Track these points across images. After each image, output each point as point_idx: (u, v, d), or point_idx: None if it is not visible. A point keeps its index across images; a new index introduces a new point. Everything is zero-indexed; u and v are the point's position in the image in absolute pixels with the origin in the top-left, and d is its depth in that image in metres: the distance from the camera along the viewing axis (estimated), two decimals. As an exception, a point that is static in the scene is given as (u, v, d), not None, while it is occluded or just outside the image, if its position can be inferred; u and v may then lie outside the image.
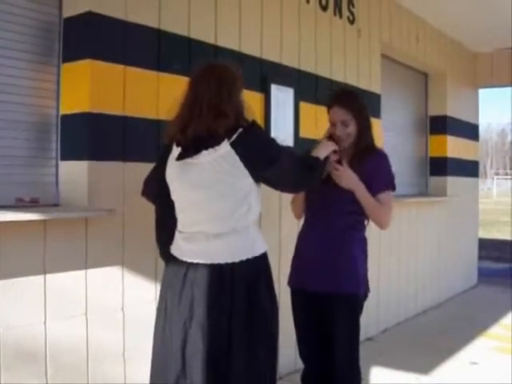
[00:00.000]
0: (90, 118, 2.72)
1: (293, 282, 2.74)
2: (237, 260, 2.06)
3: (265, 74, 3.79)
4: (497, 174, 63.45)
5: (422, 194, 6.63)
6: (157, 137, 2.89)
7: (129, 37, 2.88)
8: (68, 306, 2.64)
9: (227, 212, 2.07)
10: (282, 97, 3.94)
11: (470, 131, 7.51)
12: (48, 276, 2.56)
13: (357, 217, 2.63)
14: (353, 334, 2.61)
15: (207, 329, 2.00)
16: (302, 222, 2.83)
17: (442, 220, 6.59)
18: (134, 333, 2.86)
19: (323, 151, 2.43)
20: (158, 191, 2.25)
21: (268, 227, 3.53)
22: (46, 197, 2.78)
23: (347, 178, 2.55)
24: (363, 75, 4.93)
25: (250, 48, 3.68)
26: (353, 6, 4.80)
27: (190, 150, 2.08)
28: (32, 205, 2.70)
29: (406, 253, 5.74)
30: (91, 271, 2.73)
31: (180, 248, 2.17)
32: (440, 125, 6.72)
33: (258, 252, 2.11)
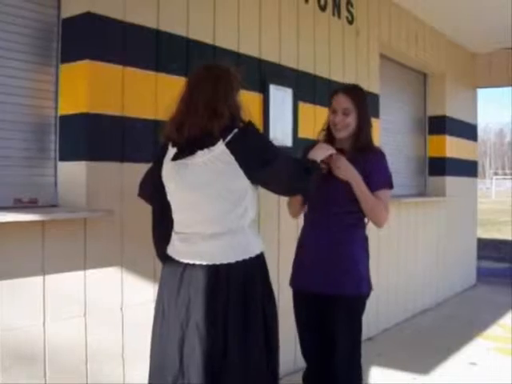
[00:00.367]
0: (88, 118, 2.72)
1: (294, 282, 2.74)
2: (233, 261, 2.06)
3: (263, 75, 3.79)
4: (495, 174, 63.54)
5: (420, 194, 6.64)
6: (155, 137, 2.87)
7: (127, 37, 2.88)
8: (67, 306, 2.64)
9: (222, 213, 2.07)
10: (281, 97, 3.94)
11: (468, 131, 7.52)
12: (47, 277, 2.56)
13: (357, 215, 2.63)
14: (355, 335, 2.62)
15: (204, 329, 2.00)
16: (301, 222, 2.83)
17: (441, 220, 6.59)
18: (133, 333, 2.86)
19: (320, 153, 2.42)
20: (153, 192, 2.25)
21: (267, 227, 3.53)
22: (44, 197, 2.78)
23: (344, 166, 2.54)
24: (362, 75, 4.93)
25: (249, 48, 3.68)
26: (351, 6, 4.80)
27: (185, 151, 2.08)
28: (30, 205, 2.69)
29: (405, 253, 5.74)
30: (90, 272, 2.72)
31: (176, 249, 2.17)
32: (439, 125, 6.73)
33: (253, 253, 2.11)
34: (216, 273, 2.05)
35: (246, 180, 2.06)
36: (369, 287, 2.66)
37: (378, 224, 2.65)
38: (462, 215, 7.21)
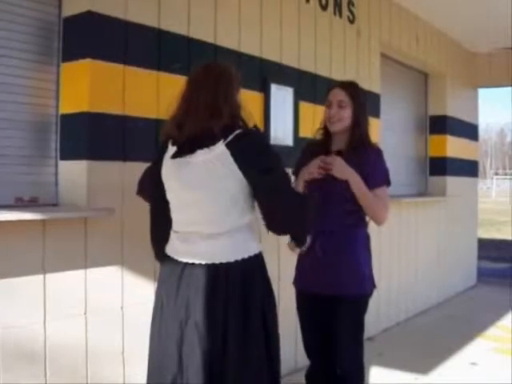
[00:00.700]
0: (89, 117, 2.71)
1: (297, 282, 2.74)
2: (232, 260, 2.05)
3: (264, 74, 3.79)
4: (496, 173, 63.51)
5: (421, 194, 6.63)
6: (156, 137, 2.88)
7: (128, 36, 2.87)
8: (67, 305, 2.64)
9: (221, 213, 2.07)
10: (282, 96, 3.93)
11: (469, 131, 7.52)
12: (47, 276, 2.56)
13: (358, 215, 2.63)
14: (357, 334, 2.62)
15: (203, 328, 2.00)
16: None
17: (442, 220, 6.59)
18: (133, 332, 2.85)
19: (311, 166, 2.50)
20: (153, 190, 2.25)
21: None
22: (45, 196, 2.77)
23: (340, 166, 2.54)
24: (363, 75, 4.92)
25: (250, 47, 3.68)
26: (353, 5, 4.80)
27: (184, 149, 2.08)
28: (31, 204, 2.69)
29: (406, 253, 5.74)
30: (90, 271, 2.72)
31: (175, 248, 2.16)
32: (440, 125, 6.73)
33: (252, 252, 2.10)
34: (215, 272, 2.04)
35: (244, 181, 2.05)
36: (372, 286, 2.66)
37: (378, 222, 2.65)
38: (462, 215, 7.20)
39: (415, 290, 5.87)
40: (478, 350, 4.68)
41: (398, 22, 5.55)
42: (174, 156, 2.11)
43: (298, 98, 4.06)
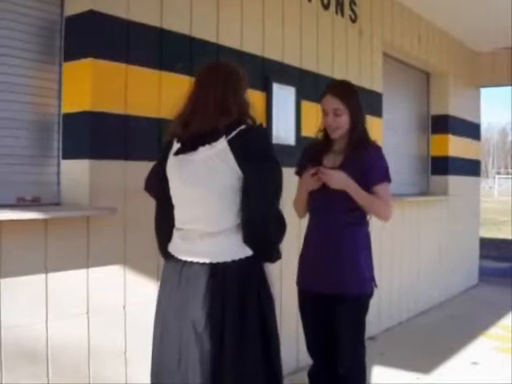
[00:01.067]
0: (91, 116, 2.71)
1: (299, 281, 2.75)
2: (229, 259, 2.06)
3: (266, 73, 3.78)
4: (498, 173, 63.45)
5: (423, 193, 6.62)
6: (159, 135, 2.88)
7: (130, 35, 2.87)
8: (69, 305, 2.64)
9: (220, 211, 2.07)
10: (284, 95, 3.93)
11: (471, 130, 7.51)
12: (49, 275, 2.56)
13: (359, 213, 2.64)
14: (358, 334, 2.62)
15: (200, 328, 2.00)
16: (303, 220, 2.83)
17: (444, 219, 6.58)
18: (136, 332, 2.85)
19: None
20: (157, 187, 2.25)
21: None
22: (47, 196, 2.78)
23: (336, 179, 2.54)
24: (365, 74, 4.92)
25: (252, 47, 3.68)
26: (355, 4, 4.79)
27: (187, 146, 2.08)
28: (33, 204, 2.69)
29: (408, 252, 5.74)
30: (93, 270, 2.72)
31: (176, 246, 2.17)
32: (442, 124, 6.72)
33: (249, 253, 2.10)
34: (213, 271, 2.04)
35: (243, 177, 2.04)
36: (372, 286, 2.66)
37: (384, 220, 2.68)
38: (464, 214, 7.20)
39: (417, 290, 5.87)
40: (480, 349, 4.68)
41: (400, 21, 5.54)
42: (177, 153, 2.11)
43: (299, 97, 4.06)
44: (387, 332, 5.18)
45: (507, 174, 61.41)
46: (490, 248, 10.27)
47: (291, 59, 4.04)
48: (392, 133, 5.70)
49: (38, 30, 2.74)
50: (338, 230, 2.61)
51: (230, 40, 3.49)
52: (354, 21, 4.80)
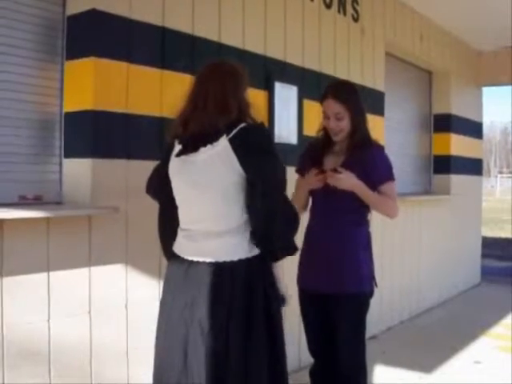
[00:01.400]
0: (93, 115, 2.71)
1: (299, 280, 2.75)
2: (235, 259, 2.05)
3: (269, 72, 3.78)
4: (500, 172, 63.37)
5: (425, 192, 6.62)
6: (160, 134, 2.87)
7: (132, 34, 2.87)
8: (71, 303, 2.64)
9: (224, 211, 2.06)
10: (286, 94, 3.93)
11: (473, 129, 7.50)
12: (51, 274, 2.56)
13: (360, 213, 2.64)
14: (358, 333, 2.62)
15: (207, 327, 2.00)
16: (303, 220, 2.82)
17: (446, 218, 6.58)
18: (138, 331, 2.85)
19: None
20: (160, 188, 2.25)
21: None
22: (49, 194, 2.78)
23: (345, 180, 2.54)
24: (367, 73, 4.91)
25: (254, 46, 3.67)
26: (357, 3, 4.78)
27: (188, 147, 2.08)
28: (35, 202, 2.69)
29: (409, 251, 5.73)
30: (95, 269, 2.72)
31: (181, 245, 2.17)
32: (444, 123, 6.71)
33: (255, 251, 2.10)
34: (219, 271, 2.04)
35: (245, 176, 2.04)
36: (372, 285, 2.65)
37: (390, 217, 2.70)
38: (466, 213, 7.19)
39: (419, 289, 5.87)
40: (482, 348, 4.67)
41: (402, 20, 5.54)
42: (179, 154, 2.11)
43: (302, 96, 4.05)
44: (389, 331, 5.18)
45: (509, 173, 61.34)
46: (492, 247, 10.26)
47: (293, 58, 4.03)
48: (394, 132, 5.69)
49: (40, 29, 2.74)
50: (339, 229, 2.61)
51: (231, 39, 3.48)
52: (356, 20, 4.79)
